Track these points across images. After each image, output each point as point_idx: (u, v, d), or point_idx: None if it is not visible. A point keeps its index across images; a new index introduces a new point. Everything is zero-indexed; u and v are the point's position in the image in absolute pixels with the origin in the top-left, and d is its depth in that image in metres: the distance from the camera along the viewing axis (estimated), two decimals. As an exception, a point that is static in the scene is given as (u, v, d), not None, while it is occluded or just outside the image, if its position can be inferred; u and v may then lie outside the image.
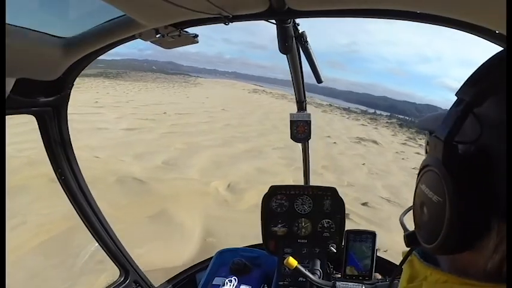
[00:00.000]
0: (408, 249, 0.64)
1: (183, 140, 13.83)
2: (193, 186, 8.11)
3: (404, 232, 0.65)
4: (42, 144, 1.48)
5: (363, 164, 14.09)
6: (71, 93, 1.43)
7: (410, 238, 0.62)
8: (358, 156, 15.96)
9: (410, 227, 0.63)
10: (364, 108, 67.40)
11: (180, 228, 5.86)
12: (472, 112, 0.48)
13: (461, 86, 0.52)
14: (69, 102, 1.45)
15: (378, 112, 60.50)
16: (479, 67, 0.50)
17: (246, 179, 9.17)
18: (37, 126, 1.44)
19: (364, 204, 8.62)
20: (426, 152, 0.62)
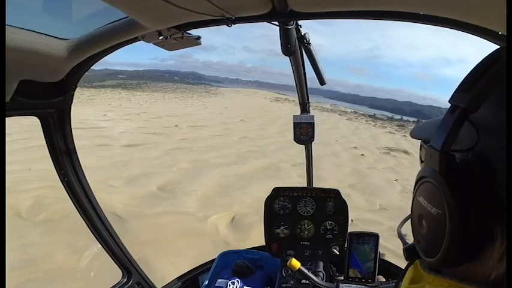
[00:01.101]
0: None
1: (190, 158, 12.56)
2: (185, 223, 6.58)
3: (403, 245, 0.65)
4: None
5: (396, 180, 12.31)
6: (79, 103, 1.71)
7: (409, 251, 0.62)
8: (389, 170, 14.34)
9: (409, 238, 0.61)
10: (389, 114, 66.79)
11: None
12: (467, 119, 0.48)
13: (454, 92, 0.52)
14: (72, 104, 1.47)
15: (405, 118, 60.10)
16: (471, 72, 0.51)
17: (256, 209, 7.22)
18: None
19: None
20: (421, 162, 0.62)
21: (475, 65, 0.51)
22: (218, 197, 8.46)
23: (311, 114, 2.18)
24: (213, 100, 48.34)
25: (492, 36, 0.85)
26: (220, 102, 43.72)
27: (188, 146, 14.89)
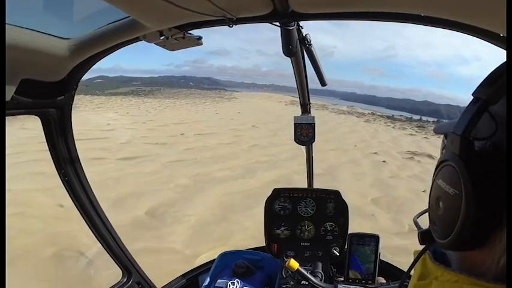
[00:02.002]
0: (419, 250, 0.66)
1: (191, 172, 11.49)
2: (165, 267, 4.86)
3: (418, 230, 0.68)
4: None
5: (423, 191, 10.73)
6: (84, 112, 2.01)
7: (424, 235, 0.64)
8: (414, 179, 13.02)
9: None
10: (408, 115, 65.16)
11: None
12: (487, 110, 0.52)
13: (478, 87, 0.56)
14: (78, 113, 1.64)
15: (424, 118, 59.00)
16: (494, 69, 0.55)
17: (260, 239, 6.02)
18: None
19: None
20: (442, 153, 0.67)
21: (499, 65, 0.55)
22: (216, 223, 7.31)
23: (311, 115, 2.23)
24: (226, 105, 47.65)
25: (493, 38, 0.87)
26: (233, 108, 42.92)
27: (191, 157, 13.92)
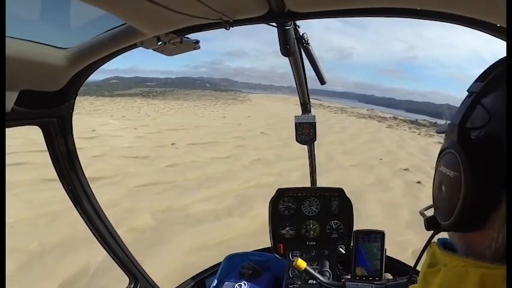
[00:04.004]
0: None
1: (161, 204, 8.26)
2: None
3: (423, 218, 0.72)
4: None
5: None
6: (76, 115, 1.49)
7: (430, 221, 0.68)
8: None
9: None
10: (431, 119, 62.61)
11: None
12: (480, 102, 0.58)
13: (472, 83, 0.63)
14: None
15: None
16: (487, 68, 0.62)
17: None
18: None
19: None
20: None
21: (493, 63, 0.62)
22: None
23: (312, 114, 2.23)
24: (237, 108, 45.31)
25: (489, 28, 0.89)
26: (244, 111, 40.09)
27: (171, 178, 10.68)
